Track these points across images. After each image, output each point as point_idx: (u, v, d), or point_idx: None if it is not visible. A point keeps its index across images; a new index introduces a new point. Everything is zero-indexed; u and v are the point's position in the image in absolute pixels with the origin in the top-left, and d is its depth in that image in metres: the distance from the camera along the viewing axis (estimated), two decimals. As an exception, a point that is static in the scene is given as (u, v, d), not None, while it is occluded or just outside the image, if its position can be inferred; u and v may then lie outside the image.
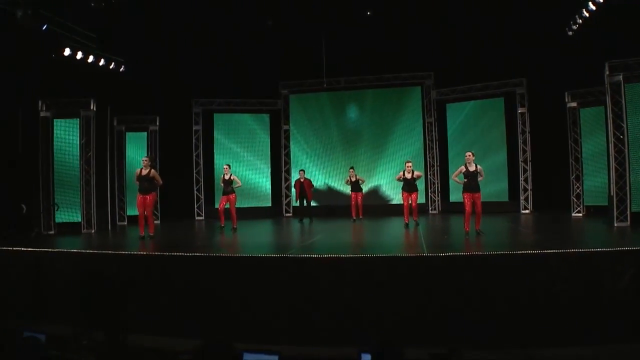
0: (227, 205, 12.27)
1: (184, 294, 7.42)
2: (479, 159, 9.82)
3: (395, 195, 16.15)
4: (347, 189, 14.95)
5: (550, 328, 6.43)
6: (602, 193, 12.42)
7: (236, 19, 13.50)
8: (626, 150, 10.55)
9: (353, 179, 13.63)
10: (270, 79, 16.68)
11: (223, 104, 16.98)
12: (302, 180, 14.41)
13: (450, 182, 15.64)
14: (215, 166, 16.52)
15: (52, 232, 12.31)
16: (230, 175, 12.17)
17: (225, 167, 12.39)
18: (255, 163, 17.01)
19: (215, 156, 16.74)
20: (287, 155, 17.32)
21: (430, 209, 16.18)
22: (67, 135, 12.79)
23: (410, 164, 11.87)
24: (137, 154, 15.25)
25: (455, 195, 15.42)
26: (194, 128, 16.75)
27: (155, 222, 12.90)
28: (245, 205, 16.14)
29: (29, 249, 8.88)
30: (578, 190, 13.66)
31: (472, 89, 15.84)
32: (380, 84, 16.72)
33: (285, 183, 17.32)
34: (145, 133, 15.72)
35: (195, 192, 16.70)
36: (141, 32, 13.32)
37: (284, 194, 17.33)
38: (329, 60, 15.26)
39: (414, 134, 16.49)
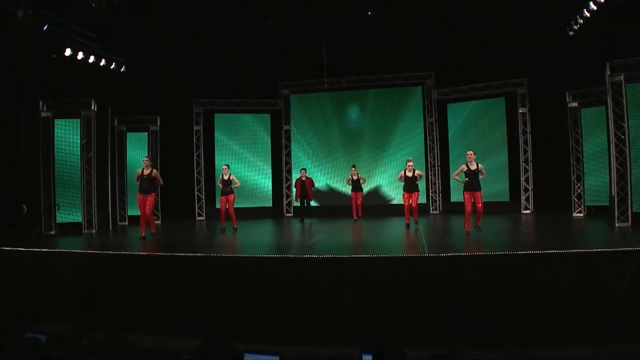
0: (227, 206, 12.27)
1: (185, 294, 7.42)
2: (480, 159, 9.80)
3: (396, 195, 16.16)
4: (347, 189, 14.95)
5: (551, 328, 6.42)
6: (603, 193, 12.42)
7: (237, 19, 13.50)
8: (627, 150, 10.55)
9: (354, 177, 13.61)
10: (271, 79, 16.69)
11: (224, 104, 16.98)
12: (303, 178, 14.39)
13: (451, 182, 15.63)
14: (216, 166, 16.52)
15: (53, 232, 12.32)
16: (230, 175, 12.16)
17: (224, 167, 12.37)
18: (256, 163, 17.01)
19: (216, 156, 16.74)
20: (288, 155, 17.32)
21: (431, 209, 16.17)
22: (67, 136, 12.80)
23: (411, 162, 11.85)
24: (137, 154, 15.25)
25: (456, 195, 15.39)
26: (194, 128, 16.76)
27: (156, 222, 12.91)
28: (246, 205, 16.17)
29: (30, 249, 8.89)
30: (579, 191, 13.65)
31: (473, 89, 15.84)
32: (381, 84, 16.71)
33: (286, 183, 17.32)
34: (146, 133, 15.73)
35: (196, 192, 16.71)
36: (142, 32, 13.33)
37: (284, 194, 17.34)
38: (330, 60, 15.26)
39: (415, 134, 16.49)
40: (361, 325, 6.70)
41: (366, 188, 14.72)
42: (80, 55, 12.35)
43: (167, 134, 15.95)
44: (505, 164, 15.26)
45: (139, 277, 7.66)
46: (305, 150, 17.16)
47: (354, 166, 14.00)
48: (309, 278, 7.25)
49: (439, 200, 16.31)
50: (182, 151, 16.57)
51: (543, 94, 14.46)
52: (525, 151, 14.96)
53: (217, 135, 16.94)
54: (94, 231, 12.64)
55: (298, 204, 15.17)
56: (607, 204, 11.49)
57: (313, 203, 15.21)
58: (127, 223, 15.22)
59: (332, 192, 16.84)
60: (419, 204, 12.22)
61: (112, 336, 4.82)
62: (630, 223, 10.44)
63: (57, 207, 12.46)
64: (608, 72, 10.86)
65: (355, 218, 13.69)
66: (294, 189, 15.50)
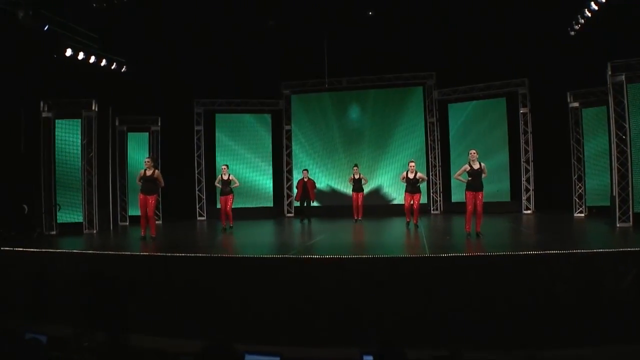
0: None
1: (185, 294, 7.42)
2: (481, 159, 9.74)
3: (396, 195, 16.16)
4: (348, 189, 14.96)
5: (552, 329, 6.41)
6: (604, 193, 12.40)
7: (238, 19, 13.50)
8: (628, 151, 10.53)
9: (356, 177, 13.60)
10: (272, 79, 16.68)
11: (225, 104, 16.97)
12: (305, 179, 14.36)
13: (452, 182, 15.62)
14: (216, 166, 16.50)
15: (54, 232, 12.33)
16: (229, 175, 12.17)
17: (223, 167, 12.40)
18: (257, 163, 17.00)
19: (217, 156, 16.74)
20: (289, 155, 17.32)
21: (432, 209, 16.17)
22: (68, 136, 12.80)
23: (413, 163, 11.83)
24: (138, 155, 15.26)
25: (457, 196, 15.40)
26: (195, 128, 16.76)
27: (157, 222, 12.91)
28: (247, 206, 16.18)
29: (31, 250, 8.89)
30: (580, 191, 13.64)
31: (474, 89, 15.82)
32: (382, 84, 16.71)
33: (287, 183, 17.32)
34: (147, 133, 15.73)
35: (197, 192, 16.71)
36: (143, 33, 13.34)
37: (285, 194, 17.33)
38: (331, 61, 15.24)
39: (416, 134, 16.48)
40: (362, 326, 6.70)
41: (367, 188, 14.71)
42: (81, 56, 12.35)
43: (168, 134, 15.95)
44: (507, 164, 15.25)
45: (139, 278, 7.66)
46: (306, 150, 17.16)
47: (356, 165, 14.00)
48: (309, 278, 7.25)
49: (440, 200, 16.30)
50: (183, 151, 16.57)
51: (544, 94, 14.44)
52: (526, 151, 14.95)
53: (218, 135, 16.94)
54: (94, 231, 12.64)
55: (298, 204, 15.13)
56: (608, 204, 11.47)
57: (314, 203, 15.16)
58: (127, 223, 15.22)
59: (333, 192, 16.83)
60: (421, 203, 12.21)
61: (112, 337, 4.81)
62: (631, 223, 10.42)
63: (57, 208, 12.47)
64: (609, 72, 10.85)
65: (355, 218, 13.68)
66: (295, 189, 15.48)
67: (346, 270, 7.17)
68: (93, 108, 12.80)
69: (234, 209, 12.75)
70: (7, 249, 8.81)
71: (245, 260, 7.80)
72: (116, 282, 7.50)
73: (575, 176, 13.71)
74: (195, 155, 16.74)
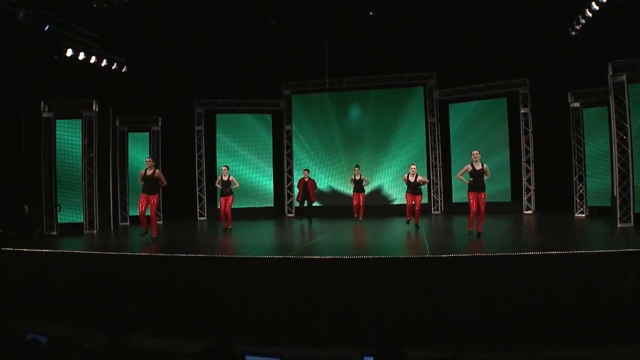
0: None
1: (186, 295, 7.42)
2: (482, 159, 9.73)
3: (397, 195, 16.16)
4: (349, 190, 14.95)
5: (552, 329, 6.40)
6: (605, 194, 12.37)
7: (238, 19, 13.50)
8: (630, 151, 10.52)
9: (357, 178, 13.60)
10: (273, 79, 16.68)
11: (225, 105, 16.97)
12: (306, 180, 14.33)
13: (453, 182, 15.63)
14: (217, 167, 16.49)
15: (55, 232, 12.32)
16: (229, 176, 12.18)
17: (223, 168, 12.40)
18: (258, 163, 17.00)
19: (218, 157, 16.73)
20: (290, 155, 17.32)
21: (432, 209, 16.16)
22: (69, 136, 12.79)
23: (414, 166, 11.82)
24: (139, 155, 15.27)
25: (458, 196, 15.41)
26: (196, 128, 16.76)
27: (158, 222, 12.91)
28: (248, 206, 16.18)
29: (31, 250, 8.89)
30: (581, 191, 13.62)
31: (475, 89, 15.81)
32: (383, 84, 16.70)
33: (287, 183, 17.31)
34: (148, 133, 15.73)
35: (197, 192, 16.71)
36: (143, 33, 13.34)
37: (286, 194, 17.33)
38: (332, 61, 15.23)
39: (417, 134, 16.47)
40: (363, 327, 6.69)
41: (368, 189, 14.70)
42: (81, 56, 12.34)
43: (169, 134, 15.95)
44: (507, 164, 15.24)
45: (140, 278, 7.66)
46: (307, 150, 17.15)
47: (357, 166, 14.00)
48: (310, 279, 7.24)
49: (441, 200, 16.29)
50: (183, 151, 16.57)
51: (545, 94, 14.43)
52: (527, 151, 14.94)
53: (219, 135, 16.94)
54: (95, 232, 12.64)
55: (298, 204, 15.11)
56: (609, 204, 11.45)
57: (315, 203, 15.13)
58: (128, 223, 15.23)
59: (333, 192, 16.83)
60: (422, 203, 12.20)
61: (113, 337, 4.81)
62: (632, 224, 10.41)
63: (58, 208, 12.47)
64: (610, 72, 10.84)
65: (355, 218, 13.66)
66: (296, 189, 15.46)
67: (347, 270, 7.16)
68: (94, 108, 12.80)
69: (234, 209, 12.76)
70: (7, 249, 8.80)
71: (246, 261, 7.80)
72: (116, 283, 7.49)
73: (576, 176, 13.70)
74: (196, 155, 16.74)
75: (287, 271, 7.38)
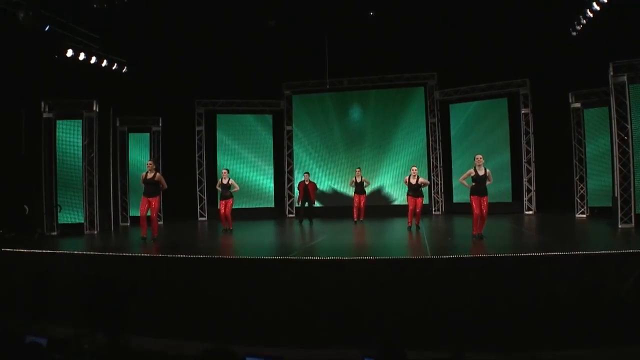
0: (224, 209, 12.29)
1: (186, 296, 7.41)
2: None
3: (398, 195, 16.14)
4: (349, 191, 14.94)
5: (553, 330, 6.39)
6: (606, 194, 12.35)
7: (239, 19, 13.49)
8: (630, 152, 10.50)
9: (358, 180, 13.59)
10: (273, 79, 16.68)
11: (226, 105, 16.96)
12: (306, 182, 14.30)
13: (453, 182, 15.62)
14: (218, 167, 16.50)
15: (55, 233, 12.31)
16: (229, 179, 12.19)
17: (223, 171, 12.42)
18: (258, 164, 16.99)
19: (218, 157, 16.73)
20: (290, 156, 17.31)
21: (433, 210, 16.14)
22: (69, 137, 12.79)
23: (415, 169, 11.78)
24: (139, 155, 15.28)
25: (459, 196, 15.41)
26: (196, 129, 16.75)
27: (159, 223, 12.90)
28: (248, 206, 16.17)
29: (32, 251, 8.89)
30: (582, 192, 13.60)
31: (476, 90, 15.80)
32: (384, 84, 16.69)
33: (288, 184, 17.31)
34: (148, 134, 15.73)
35: (198, 192, 16.70)
36: (143, 33, 13.33)
37: (287, 194, 17.32)
38: (332, 61, 15.21)
39: (417, 134, 16.46)
40: (363, 328, 6.68)
41: (368, 189, 14.68)
42: (81, 56, 12.32)
43: (169, 135, 15.95)
44: (508, 165, 15.22)
45: (140, 279, 7.65)
46: (308, 150, 17.15)
47: (359, 168, 13.98)
48: (310, 280, 7.24)
49: (442, 201, 16.28)
50: (184, 152, 16.57)
51: (545, 95, 14.41)
52: (528, 152, 14.93)
53: (219, 135, 16.93)
54: (95, 232, 12.63)
55: (299, 205, 15.09)
56: (610, 205, 11.44)
57: (315, 204, 15.11)
58: (128, 224, 15.23)
59: (334, 193, 16.82)
60: (423, 204, 12.18)
61: (113, 339, 4.80)
62: (633, 224, 10.39)
63: (59, 208, 12.46)
64: (611, 73, 10.82)
65: (355, 220, 13.65)
66: (296, 191, 15.43)
67: (347, 271, 7.16)
68: (94, 108, 12.79)
69: (235, 210, 12.75)
70: (8, 249, 8.80)
71: (247, 262, 7.79)
72: (117, 284, 7.49)
73: (577, 177, 13.68)
74: (197, 155, 16.73)
75: (288, 272, 7.38)
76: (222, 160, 16.46)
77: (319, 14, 13.40)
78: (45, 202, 12.35)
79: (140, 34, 13.35)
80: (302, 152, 17.21)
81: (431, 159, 16.32)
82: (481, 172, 9.39)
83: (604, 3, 11.29)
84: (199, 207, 16.68)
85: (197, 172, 16.74)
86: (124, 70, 13.79)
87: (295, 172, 17.08)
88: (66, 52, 11.91)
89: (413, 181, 11.60)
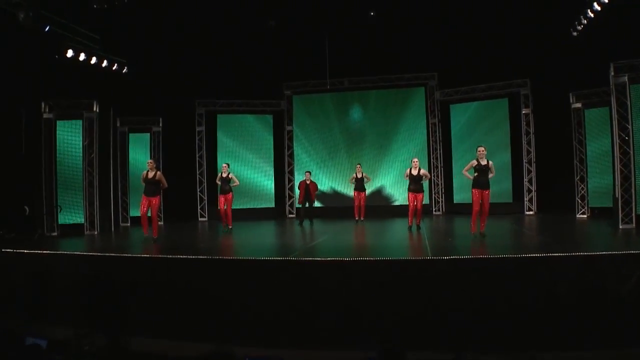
0: (225, 206, 12.26)
1: (187, 297, 7.40)
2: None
3: (399, 195, 16.12)
4: (350, 191, 14.92)
5: (553, 331, 6.38)
6: (607, 195, 12.34)
7: (239, 19, 13.49)
8: (631, 152, 10.48)
9: (359, 176, 13.58)
10: (274, 79, 16.65)
11: (226, 105, 16.95)
12: (307, 182, 14.27)
13: (454, 182, 15.61)
14: (218, 167, 16.45)
15: (55, 233, 12.30)
16: (229, 173, 12.16)
17: (224, 165, 12.40)
18: (259, 164, 16.97)
19: (219, 157, 16.69)
20: (291, 156, 17.30)
21: (434, 210, 16.12)
22: (69, 137, 12.78)
23: (416, 160, 11.68)
24: (140, 155, 15.26)
25: (460, 196, 15.39)
26: (197, 129, 16.74)
27: (159, 223, 12.90)
28: (248, 206, 16.16)
29: (32, 251, 8.88)
30: (582, 192, 13.58)
31: (476, 90, 15.78)
32: (384, 84, 16.66)
33: (288, 184, 17.29)
34: (148, 134, 15.72)
35: (198, 193, 16.69)
36: (144, 33, 13.32)
37: (287, 195, 17.30)
38: (333, 61, 15.21)
39: (418, 134, 16.44)
40: (364, 329, 6.67)
41: (369, 188, 14.67)
42: (82, 56, 12.32)
43: (169, 135, 15.93)
44: (509, 165, 15.18)
45: (140, 280, 7.65)
46: (308, 151, 17.13)
47: (359, 164, 13.97)
48: (311, 281, 7.23)
49: (442, 201, 16.26)
50: (184, 152, 16.56)
51: (546, 95, 14.39)
52: (529, 152, 14.91)
53: (220, 136, 16.91)
54: (96, 232, 12.63)
55: (299, 205, 15.09)
56: (611, 205, 11.43)
57: (316, 204, 15.09)
58: (129, 224, 15.22)
59: (335, 193, 16.81)
60: (423, 204, 12.14)
61: (113, 340, 4.79)
62: (634, 225, 10.37)
63: (59, 209, 12.46)
64: (612, 73, 10.80)
65: (357, 219, 13.63)
66: (297, 191, 15.42)
67: (348, 272, 7.15)
68: (94, 109, 12.78)
69: (235, 210, 12.72)
70: (8, 250, 8.79)
71: (247, 263, 7.78)
72: (117, 284, 7.48)
73: (578, 177, 13.66)
74: (197, 156, 16.72)
75: (288, 273, 7.37)
76: (222, 160, 16.36)
77: (319, 14, 13.39)
78: (46, 203, 12.34)
79: (140, 34, 13.35)
80: (303, 152, 17.19)
81: (432, 160, 16.30)
82: (483, 163, 9.49)
83: (604, 3, 11.28)
84: (199, 207, 16.67)
85: (197, 173, 16.72)
86: (124, 71, 13.79)
87: (296, 173, 17.06)
88: (66, 52, 11.90)
89: (414, 172, 11.46)
